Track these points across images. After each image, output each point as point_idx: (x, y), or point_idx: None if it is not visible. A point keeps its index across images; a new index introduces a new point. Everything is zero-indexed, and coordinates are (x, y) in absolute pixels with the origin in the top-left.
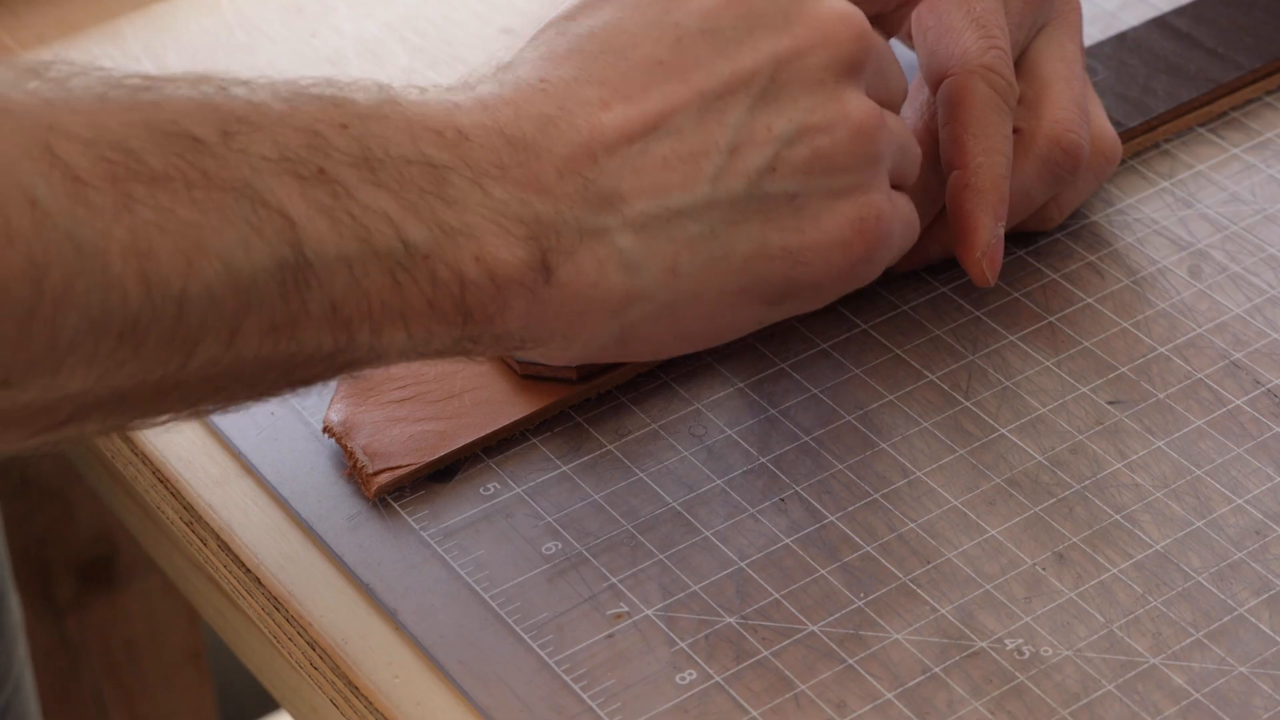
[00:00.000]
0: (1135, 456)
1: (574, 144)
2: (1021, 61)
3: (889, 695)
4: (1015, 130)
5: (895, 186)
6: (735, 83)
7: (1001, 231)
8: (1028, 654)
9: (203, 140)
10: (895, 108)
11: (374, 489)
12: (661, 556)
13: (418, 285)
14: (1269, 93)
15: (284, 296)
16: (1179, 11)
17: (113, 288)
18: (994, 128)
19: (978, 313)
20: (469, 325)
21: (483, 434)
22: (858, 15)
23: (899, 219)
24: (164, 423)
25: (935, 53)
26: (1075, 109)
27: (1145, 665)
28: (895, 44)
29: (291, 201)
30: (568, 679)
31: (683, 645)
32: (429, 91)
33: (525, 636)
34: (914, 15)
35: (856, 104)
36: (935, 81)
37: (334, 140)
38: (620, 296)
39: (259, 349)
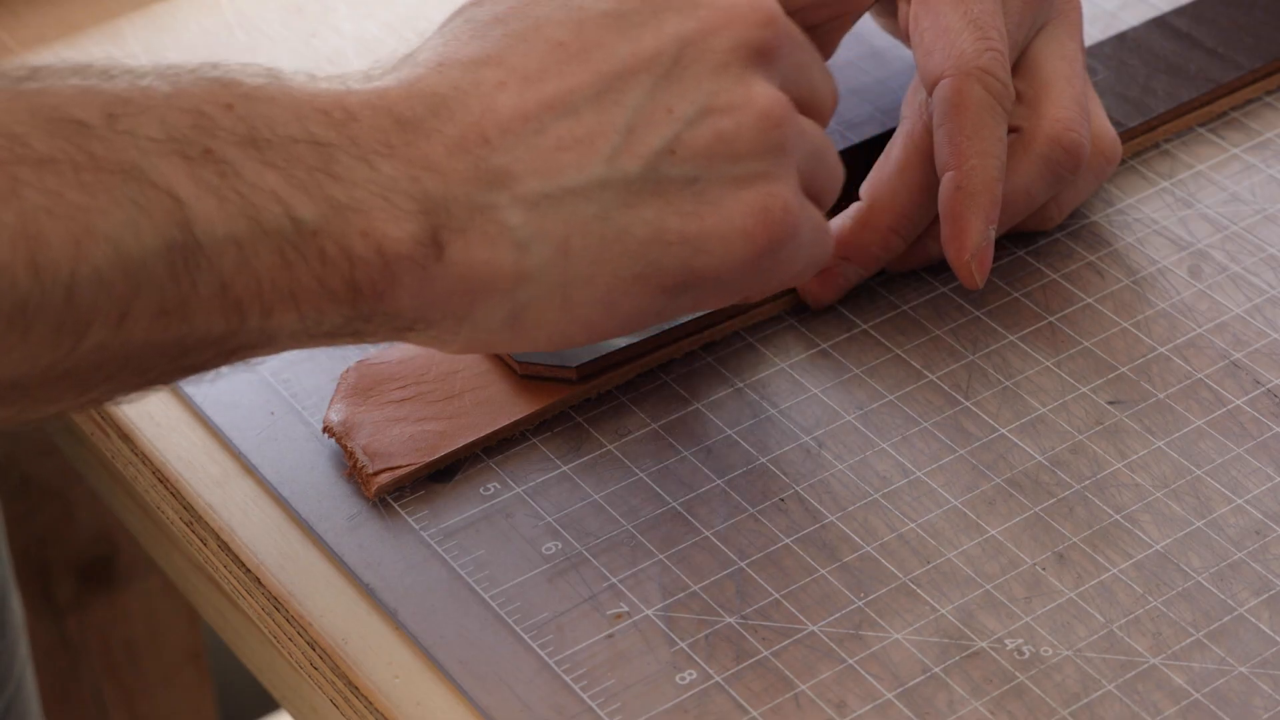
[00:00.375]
0: (1135, 456)
1: (465, 124)
2: (1022, 60)
3: (889, 695)
4: (1015, 129)
5: (810, 197)
6: (636, 64)
7: (992, 235)
8: (1028, 654)
9: (87, 123)
10: (820, 112)
11: (374, 489)
12: (661, 556)
13: (307, 263)
14: (1269, 93)
15: (174, 278)
16: (1179, 11)
17: (1, 272)
18: (988, 130)
19: (978, 313)
20: (359, 303)
21: (483, 434)
22: (768, 1)
23: (808, 221)
24: (56, 412)
25: (931, 54)
26: (1076, 108)
27: (1145, 665)
28: (894, 45)
29: (179, 181)
30: (568, 679)
31: (683, 645)
32: (320, 79)
33: (525, 636)
34: (910, 15)
35: (761, 90)
36: (931, 83)
37: (220, 120)
38: (510, 275)
39: (148, 333)
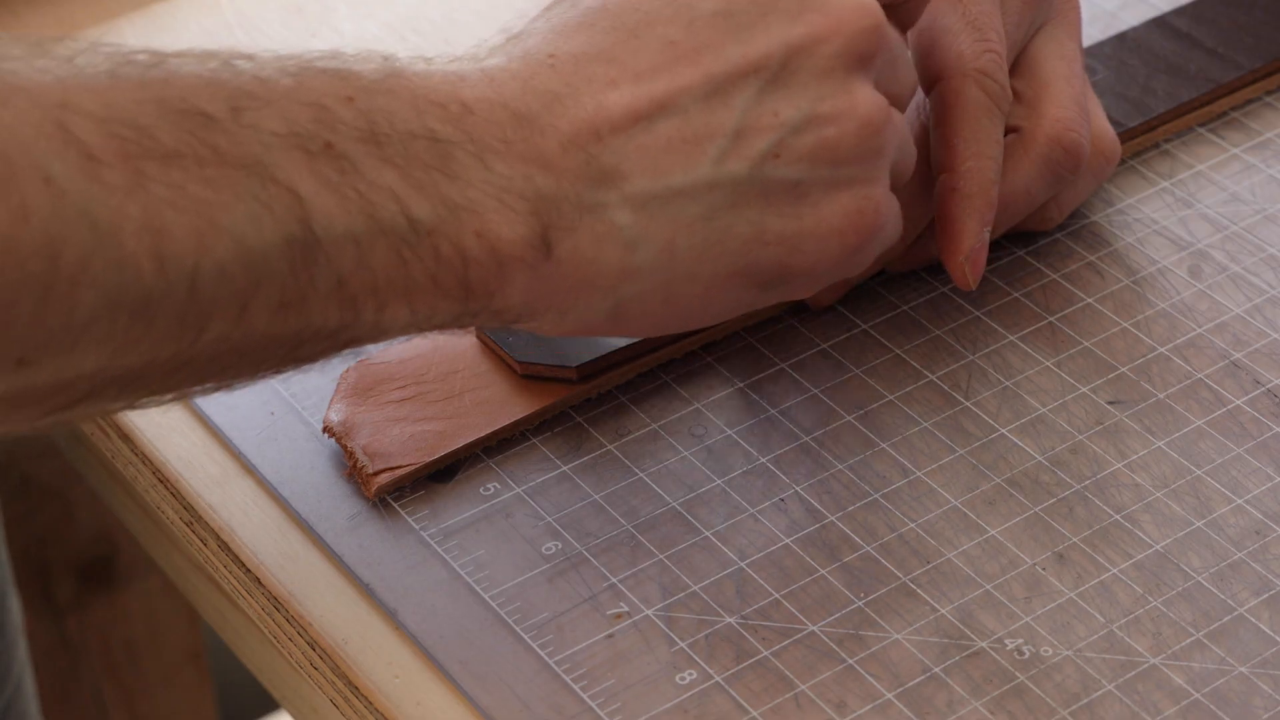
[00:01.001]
0: (1135, 456)
1: (579, 120)
2: (1021, 60)
3: (889, 695)
4: (1015, 129)
5: (892, 181)
6: (745, 67)
7: (987, 236)
8: (1028, 654)
9: (213, 116)
10: (903, 104)
11: (374, 489)
12: (661, 556)
13: (422, 262)
14: (1269, 93)
15: (293, 273)
16: (1179, 11)
17: (127, 265)
18: (984, 132)
19: (978, 313)
20: (470, 300)
21: (483, 434)
22: (873, 6)
23: (892, 213)
24: (169, 401)
25: (930, 54)
26: (1076, 108)
27: (1145, 665)
28: None
29: (300, 178)
30: (568, 679)
31: (683, 645)
32: (434, 63)
33: (525, 636)
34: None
35: (865, 96)
36: (929, 84)
37: (340, 114)
38: (616, 273)
39: (268, 326)
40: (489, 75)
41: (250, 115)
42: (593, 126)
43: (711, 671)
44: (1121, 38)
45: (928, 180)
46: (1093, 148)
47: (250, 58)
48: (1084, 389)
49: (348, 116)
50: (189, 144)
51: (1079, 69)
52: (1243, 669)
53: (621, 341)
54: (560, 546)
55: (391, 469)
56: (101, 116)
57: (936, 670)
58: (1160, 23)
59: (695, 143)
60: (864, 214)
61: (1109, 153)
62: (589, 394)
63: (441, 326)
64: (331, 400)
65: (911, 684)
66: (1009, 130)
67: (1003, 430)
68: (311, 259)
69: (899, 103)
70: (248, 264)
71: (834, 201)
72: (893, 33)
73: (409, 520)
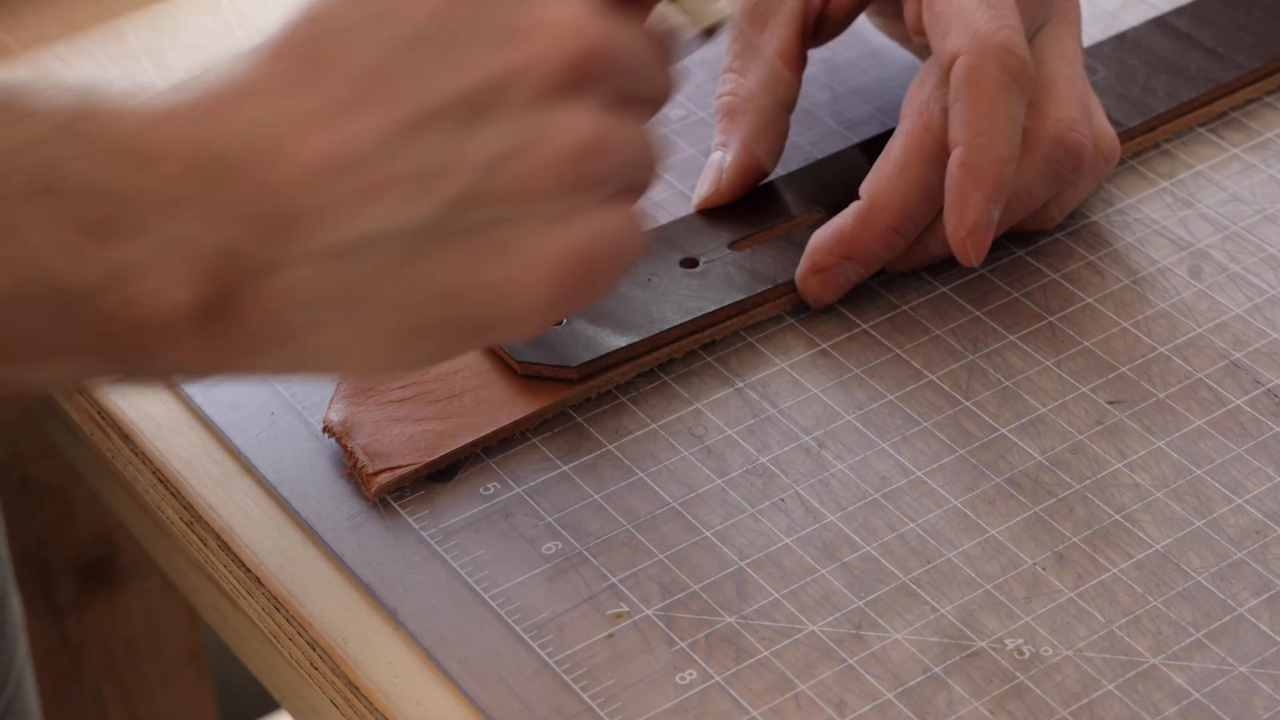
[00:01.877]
0: (1135, 456)
1: (264, 168)
2: None
3: (889, 695)
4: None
5: (624, 192)
6: (438, 104)
7: (995, 215)
8: (1028, 654)
9: None
10: (652, 109)
11: (374, 489)
12: (661, 556)
13: (80, 325)
14: (1269, 93)
15: None
16: (1179, 11)
17: None
18: (1002, 109)
19: (978, 313)
20: (138, 360)
21: (483, 434)
22: (589, 24)
23: (620, 235)
24: None
25: (947, 34)
26: (1079, 108)
27: (1145, 665)
28: (894, 45)
29: None
30: (568, 679)
31: (683, 645)
32: (137, 98)
33: (525, 636)
34: (924, 2)
35: (569, 126)
36: (948, 62)
37: (5, 166)
38: (298, 327)
39: None
40: (183, 114)
41: None
42: (277, 175)
43: (711, 671)
44: (1121, 38)
45: (929, 179)
46: (1093, 147)
47: None
48: (1084, 389)
49: (14, 168)
50: None
51: (1080, 69)
52: (1243, 669)
53: (622, 341)
54: (560, 546)
55: (391, 469)
56: None
57: (936, 670)
58: (1160, 23)
59: (383, 188)
60: (576, 253)
61: (1108, 152)
62: (589, 394)
63: (113, 382)
64: (331, 400)
65: (911, 684)
66: None
67: (1003, 430)
68: None
69: (644, 111)
70: None
71: (539, 243)
72: (624, 40)
73: (409, 520)
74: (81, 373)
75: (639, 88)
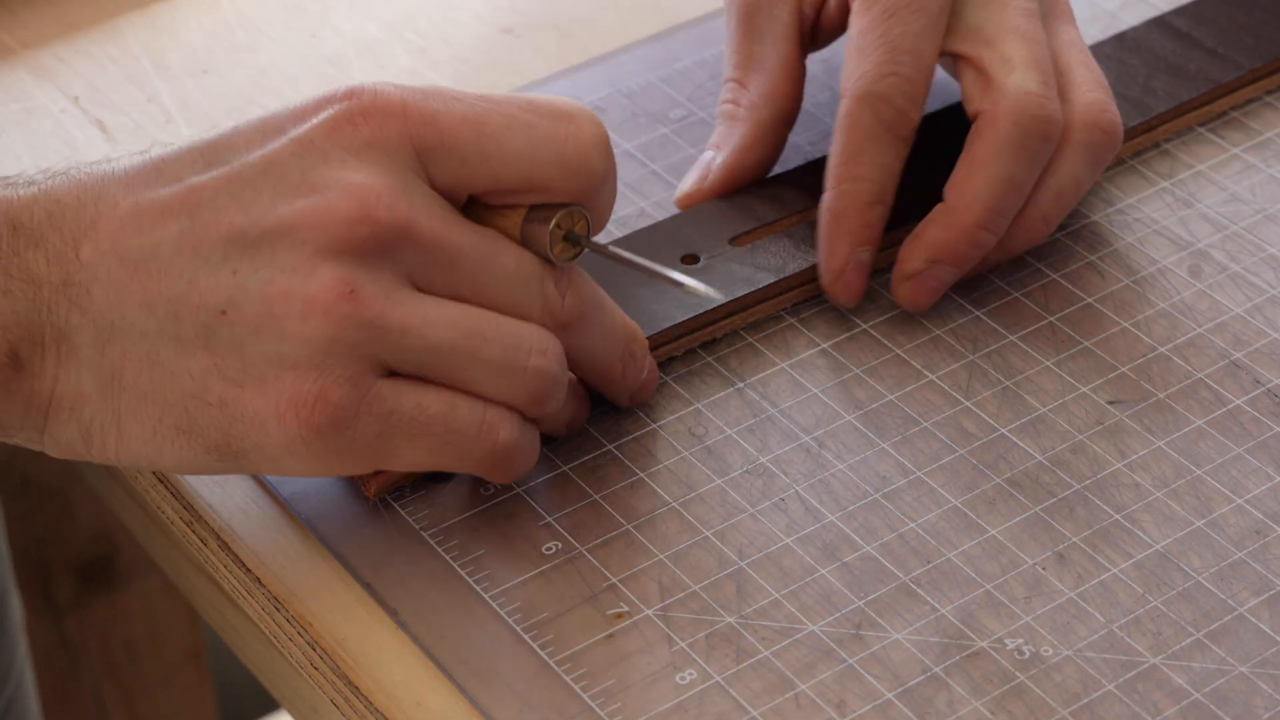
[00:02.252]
0: (1135, 456)
1: (71, 236)
2: None
3: (889, 695)
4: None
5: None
6: (229, 229)
7: (864, 257)
8: (1028, 654)
9: None
10: (490, 302)
11: (374, 489)
12: (661, 556)
13: None
14: (1269, 92)
15: None
16: (1179, 11)
17: None
18: (868, 156)
19: (978, 313)
20: None
21: None
22: (377, 201)
23: (372, 415)
24: None
25: (844, 70)
26: (1102, 90)
27: (1145, 665)
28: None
29: None
30: (568, 679)
31: (683, 645)
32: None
33: (525, 636)
34: (850, 17)
35: (324, 282)
36: (842, 96)
37: None
38: (73, 395)
39: None
40: (21, 184)
41: None
42: (76, 245)
43: (711, 671)
44: (1121, 38)
45: (1010, 174)
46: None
47: None
48: (1084, 389)
49: None
50: None
51: (1088, 53)
52: (1243, 669)
53: None
54: (560, 546)
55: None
56: None
57: (936, 670)
58: (1160, 23)
59: (156, 281)
60: (302, 402)
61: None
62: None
63: None
64: None
65: (911, 684)
66: (975, 116)
67: (1003, 430)
68: None
69: (449, 293)
70: None
71: (278, 379)
72: (431, 226)
73: (409, 520)
74: None
75: (451, 277)
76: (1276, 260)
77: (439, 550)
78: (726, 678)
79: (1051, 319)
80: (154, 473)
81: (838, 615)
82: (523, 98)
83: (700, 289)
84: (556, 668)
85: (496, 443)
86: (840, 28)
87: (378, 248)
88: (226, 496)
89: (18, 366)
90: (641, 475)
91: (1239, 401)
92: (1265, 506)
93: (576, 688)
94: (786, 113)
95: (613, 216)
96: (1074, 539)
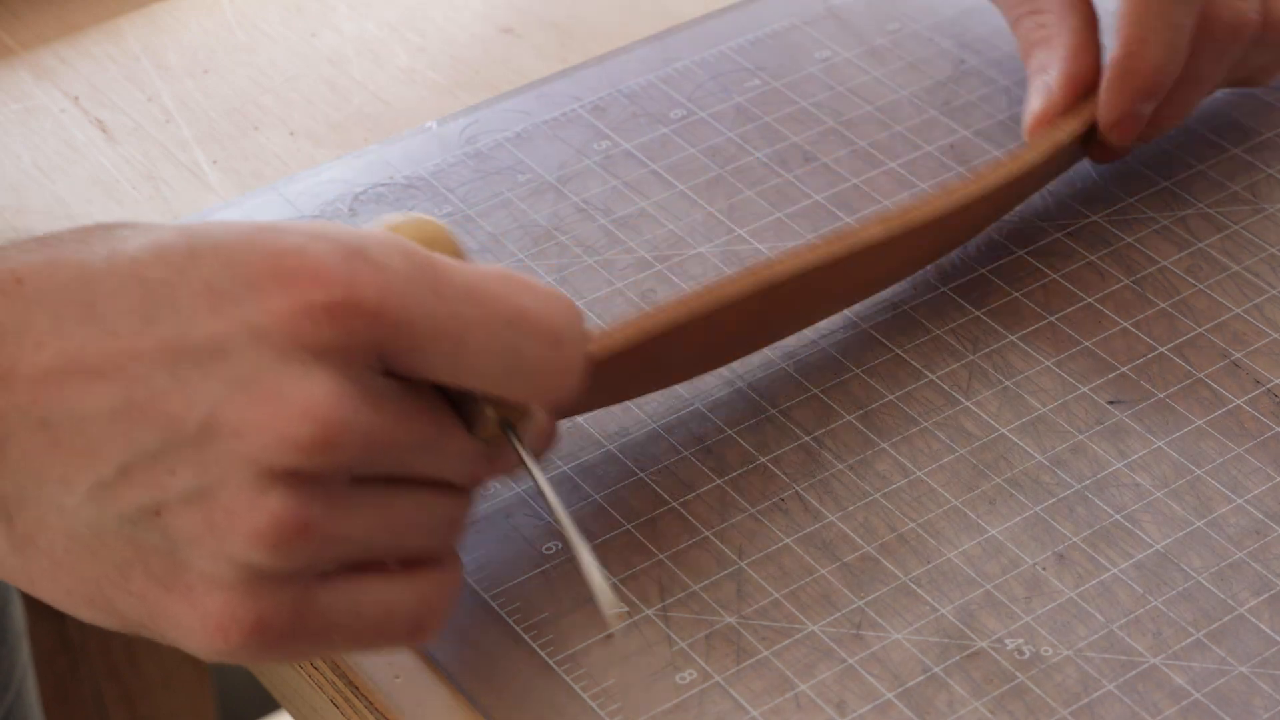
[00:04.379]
0: (1135, 456)
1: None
2: None
3: (889, 695)
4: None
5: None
6: (168, 418)
7: (1145, 110)
8: (1028, 654)
9: None
10: (439, 481)
11: None
12: (661, 556)
13: None
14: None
15: None
16: None
17: None
18: (1159, 15)
19: (978, 312)
20: None
21: None
22: (334, 418)
23: (311, 635)
24: None
25: None
26: None
27: (1145, 665)
28: (894, 45)
29: None
30: (568, 679)
31: (683, 645)
32: None
33: (525, 636)
34: None
35: (271, 507)
36: None
37: None
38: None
39: None
40: None
41: None
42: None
43: (711, 671)
44: None
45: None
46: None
47: None
48: (1084, 389)
49: None
50: None
51: None
52: (1243, 669)
53: None
54: (560, 546)
55: None
56: None
57: (937, 670)
58: None
59: (79, 459)
60: (238, 627)
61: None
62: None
63: None
64: None
65: (912, 684)
66: None
67: (1003, 430)
68: None
69: (420, 487)
70: None
71: (209, 595)
72: (373, 425)
73: None
74: None
75: (392, 469)
76: (1276, 260)
77: None
78: (726, 678)
79: (1051, 319)
80: None
81: (838, 615)
82: (514, 305)
83: (605, 605)
84: (556, 668)
85: (430, 627)
86: None
87: (331, 469)
88: None
89: None
90: (642, 475)
91: (1239, 401)
92: (1265, 506)
93: (576, 688)
94: (1090, 16)
95: (611, 215)
96: (1074, 539)
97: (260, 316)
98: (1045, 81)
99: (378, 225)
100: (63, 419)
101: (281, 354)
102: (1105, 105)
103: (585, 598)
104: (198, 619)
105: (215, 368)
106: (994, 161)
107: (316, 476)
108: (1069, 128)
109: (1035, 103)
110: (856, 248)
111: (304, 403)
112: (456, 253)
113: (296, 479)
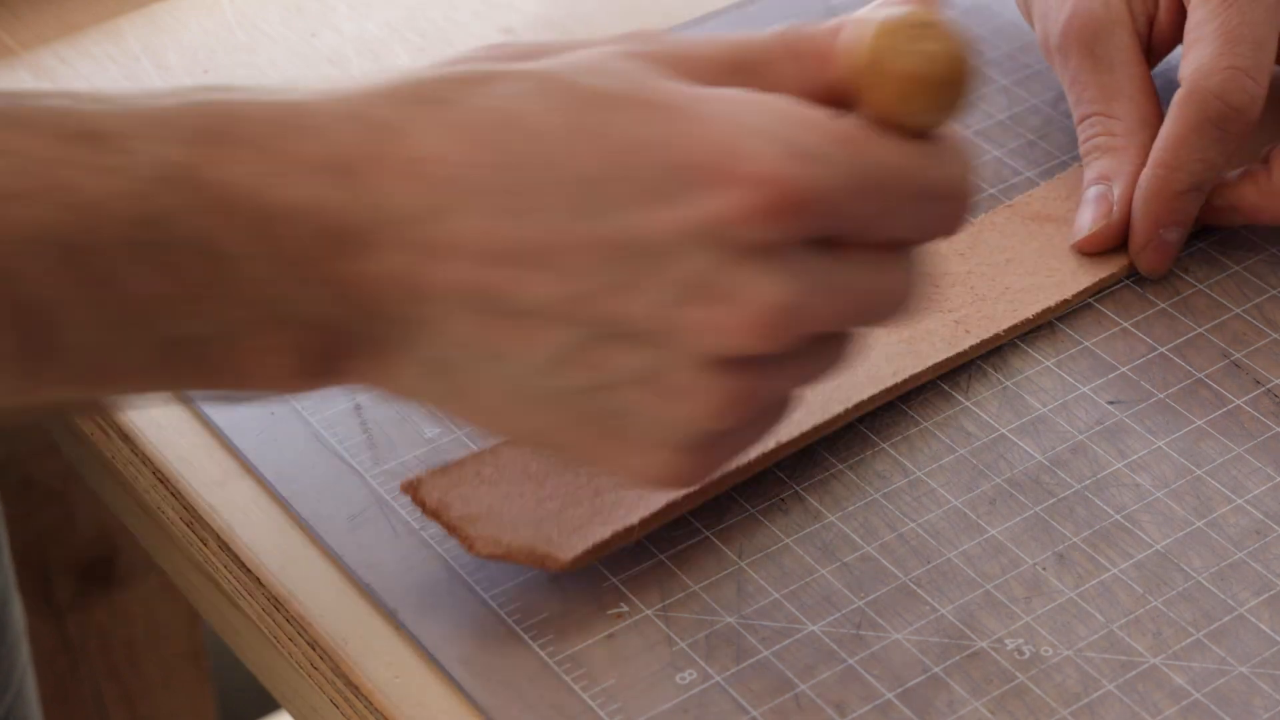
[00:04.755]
0: (1135, 456)
1: (400, 266)
2: None
3: (889, 695)
4: None
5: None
6: (607, 305)
7: (1170, 236)
8: (1028, 654)
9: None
10: (916, 237)
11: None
12: (661, 556)
13: (180, 366)
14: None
15: (21, 374)
16: None
17: None
18: (1188, 148)
19: None
20: (227, 392)
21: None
22: (782, 311)
23: (743, 446)
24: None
25: (1184, 57)
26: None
27: (1145, 665)
28: None
29: (49, 286)
30: (568, 679)
31: (683, 645)
32: (284, 119)
33: (525, 636)
34: (1189, 6)
35: (721, 391)
36: (1179, 83)
37: (115, 216)
38: (404, 390)
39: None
40: (332, 160)
41: (14, 208)
42: (412, 278)
43: (711, 671)
44: None
45: (1214, 135)
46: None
47: (30, 120)
48: (1084, 389)
49: (122, 220)
50: None
51: None
52: (1243, 669)
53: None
54: None
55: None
56: None
57: (937, 670)
58: None
59: (518, 341)
60: (664, 480)
61: None
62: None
63: (206, 400)
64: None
65: (912, 684)
66: None
67: (1003, 430)
68: (43, 362)
69: (893, 249)
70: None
71: (643, 454)
72: (843, 181)
73: (409, 520)
74: (173, 393)
75: (879, 228)
76: (1277, 260)
77: (439, 550)
78: (726, 678)
79: (1052, 319)
80: (154, 473)
81: (838, 615)
82: (928, 178)
83: None
84: (556, 668)
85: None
86: (1172, 42)
87: (779, 353)
88: (227, 496)
89: (324, 370)
90: None
91: (1239, 401)
92: (1265, 506)
93: (576, 688)
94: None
95: None
96: (1074, 539)
97: (702, 218)
98: (1105, 193)
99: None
100: (501, 305)
101: (727, 255)
102: (1133, 228)
103: (585, 597)
104: (649, 467)
105: (659, 267)
106: (1039, 294)
107: (762, 359)
108: (1118, 264)
109: (1090, 217)
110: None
111: (756, 301)
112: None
113: (744, 364)
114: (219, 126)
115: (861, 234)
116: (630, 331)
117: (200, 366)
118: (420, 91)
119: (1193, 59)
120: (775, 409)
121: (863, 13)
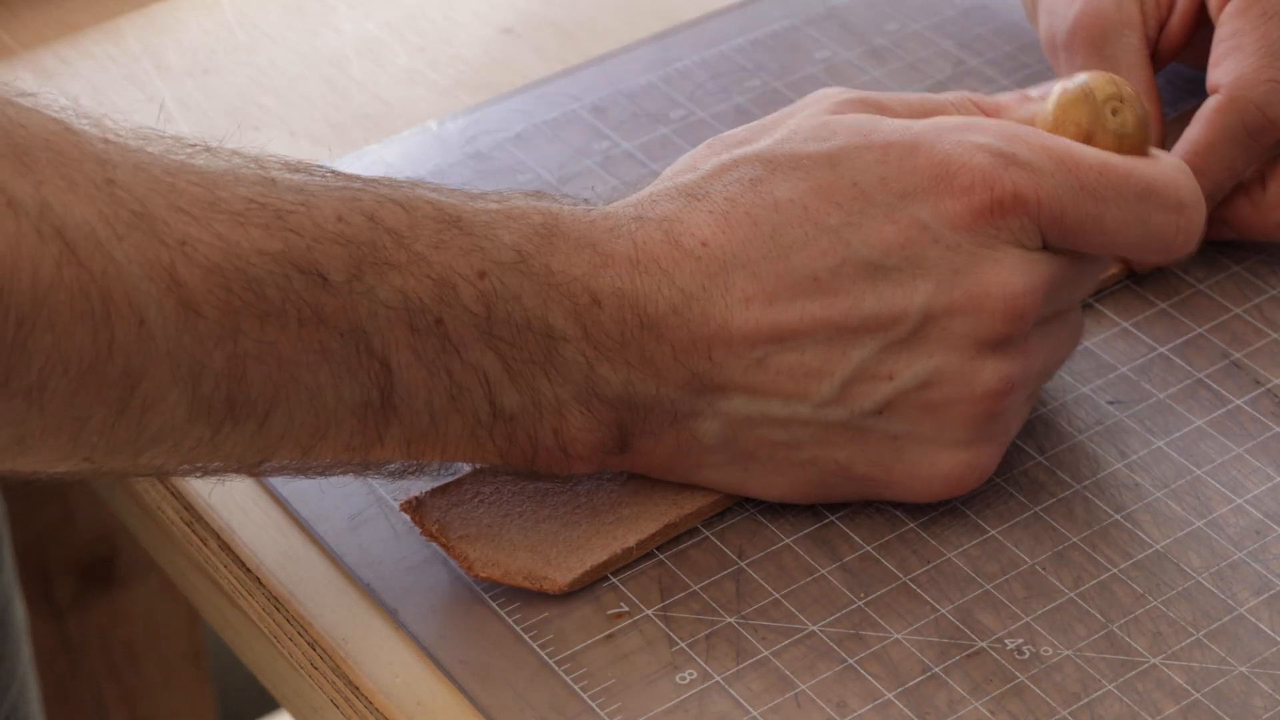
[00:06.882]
0: (1135, 456)
1: (700, 332)
2: None
3: (889, 695)
4: None
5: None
6: (876, 323)
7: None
8: (1028, 654)
9: (329, 280)
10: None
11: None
12: (661, 556)
13: (494, 441)
14: None
15: (362, 429)
16: None
17: (199, 404)
18: (1218, 155)
19: None
20: (534, 472)
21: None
22: (1025, 296)
23: (999, 456)
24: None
25: (1217, 65)
26: None
27: (1145, 665)
28: (895, 45)
29: (396, 351)
30: (568, 679)
31: (683, 645)
32: (594, 221)
33: (525, 636)
34: (1221, 15)
35: (989, 375)
36: (1210, 90)
37: (463, 293)
38: (688, 468)
39: (332, 459)
40: (636, 254)
41: (369, 279)
42: (710, 341)
43: (711, 671)
44: None
45: (1235, 147)
46: None
47: (402, 205)
48: (1084, 389)
49: (469, 296)
50: (294, 303)
51: None
52: (1243, 669)
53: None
54: None
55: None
56: (214, 265)
57: (936, 670)
58: None
59: (804, 381)
60: (962, 479)
61: None
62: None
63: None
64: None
65: (911, 684)
66: None
67: None
68: (384, 422)
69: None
70: (318, 415)
71: (932, 461)
72: (1070, 276)
73: (409, 520)
74: (483, 465)
75: (1106, 234)
76: (1276, 259)
77: (439, 550)
78: (726, 678)
79: None
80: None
81: (838, 615)
82: (1142, 179)
83: None
84: (556, 668)
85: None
86: (1179, 48)
87: (1016, 334)
88: (226, 496)
89: (623, 448)
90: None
91: (1239, 402)
92: (1265, 506)
93: (576, 688)
94: (1161, 138)
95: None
96: (1074, 539)
97: (942, 223)
98: None
99: (1073, 85)
100: (779, 356)
101: (973, 250)
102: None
103: (585, 597)
104: (923, 480)
105: (914, 274)
106: None
107: (1015, 339)
108: (1118, 265)
109: None
110: None
111: (1003, 287)
112: (1132, 108)
113: (1004, 345)
114: (550, 224)
115: (1090, 240)
116: (897, 340)
117: (512, 440)
118: (686, 189)
119: (1230, 68)
120: (1032, 394)
121: (1050, 87)
